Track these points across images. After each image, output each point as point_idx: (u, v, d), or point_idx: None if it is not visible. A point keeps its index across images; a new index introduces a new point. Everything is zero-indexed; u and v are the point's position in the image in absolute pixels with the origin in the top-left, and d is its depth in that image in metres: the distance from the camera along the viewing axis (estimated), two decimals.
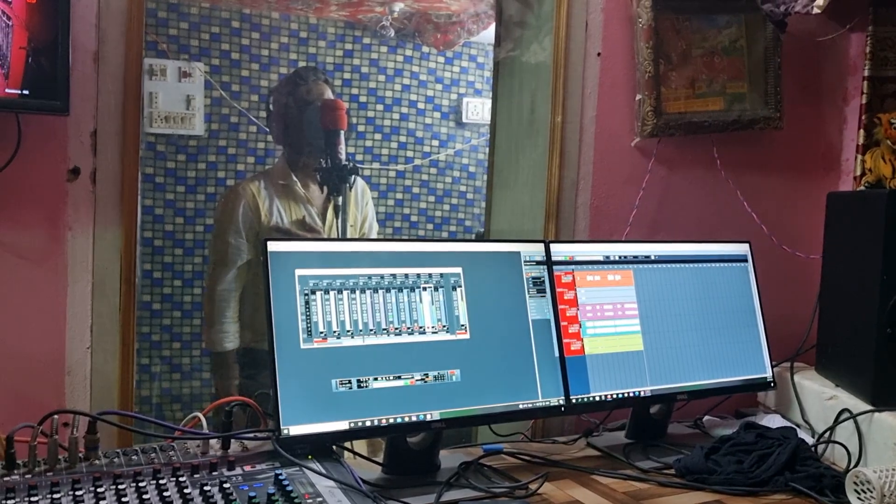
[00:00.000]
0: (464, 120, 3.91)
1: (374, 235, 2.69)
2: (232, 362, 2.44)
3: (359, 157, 3.65)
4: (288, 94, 2.46)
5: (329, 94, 2.47)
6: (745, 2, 2.03)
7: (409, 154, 3.84)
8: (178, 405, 3.50)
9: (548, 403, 1.66)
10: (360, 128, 3.70)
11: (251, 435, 1.42)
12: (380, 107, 3.75)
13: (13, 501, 1.15)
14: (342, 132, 2.37)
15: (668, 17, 1.98)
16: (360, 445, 1.71)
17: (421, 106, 3.84)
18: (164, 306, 3.47)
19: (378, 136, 3.77)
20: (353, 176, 2.38)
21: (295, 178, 2.44)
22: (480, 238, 2.35)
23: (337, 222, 2.38)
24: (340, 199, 2.36)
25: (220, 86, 3.43)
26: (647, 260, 1.87)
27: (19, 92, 1.34)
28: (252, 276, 2.44)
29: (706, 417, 2.03)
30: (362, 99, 3.70)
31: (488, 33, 3.36)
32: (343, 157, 2.37)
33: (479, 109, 3.92)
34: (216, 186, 3.50)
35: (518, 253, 1.70)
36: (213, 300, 2.44)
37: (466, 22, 3.06)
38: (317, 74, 2.53)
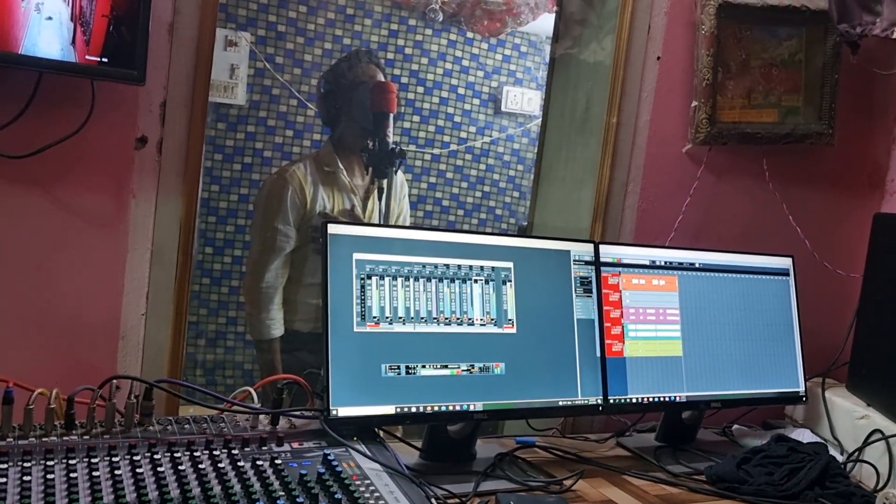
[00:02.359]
0: (502, 109, 3.91)
1: None
2: (277, 350, 2.44)
3: (395, 138, 3.66)
4: (339, 77, 2.46)
5: (380, 78, 2.48)
6: (810, 15, 2.03)
7: (446, 139, 3.85)
8: (201, 371, 3.54)
9: (586, 402, 1.68)
10: (400, 109, 3.70)
11: (300, 413, 1.44)
12: (420, 89, 3.75)
13: (74, 461, 1.18)
14: (391, 115, 2.38)
15: (730, 26, 1.98)
16: None
17: (461, 91, 3.83)
18: (194, 273, 3.48)
19: (416, 119, 3.78)
20: (400, 160, 2.39)
21: (340, 166, 2.43)
22: (524, 232, 2.36)
23: (380, 205, 2.39)
24: (385, 181, 2.37)
25: (264, 57, 3.44)
26: (691, 267, 1.88)
27: (99, 59, 1.36)
28: (294, 261, 2.44)
29: (735, 426, 2.04)
30: (403, 80, 3.70)
31: (536, 23, 3.36)
32: (391, 140, 2.38)
33: (518, 99, 3.92)
34: (253, 157, 3.52)
35: (568, 252, 1.71)
36: (260, 288, 2.41)
37: (518, 11, 3.05)
38: (369, 57, 2.53)
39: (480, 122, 3.91)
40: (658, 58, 1.98)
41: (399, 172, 2.52)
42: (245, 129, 3.50)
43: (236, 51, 3.38)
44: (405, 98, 3.72)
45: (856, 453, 1.81)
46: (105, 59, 1.36)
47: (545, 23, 3.20)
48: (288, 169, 2.45)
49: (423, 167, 3.84)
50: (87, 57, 1.35)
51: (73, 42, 1.34)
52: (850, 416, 1.91)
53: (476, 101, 3.88)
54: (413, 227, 2.50)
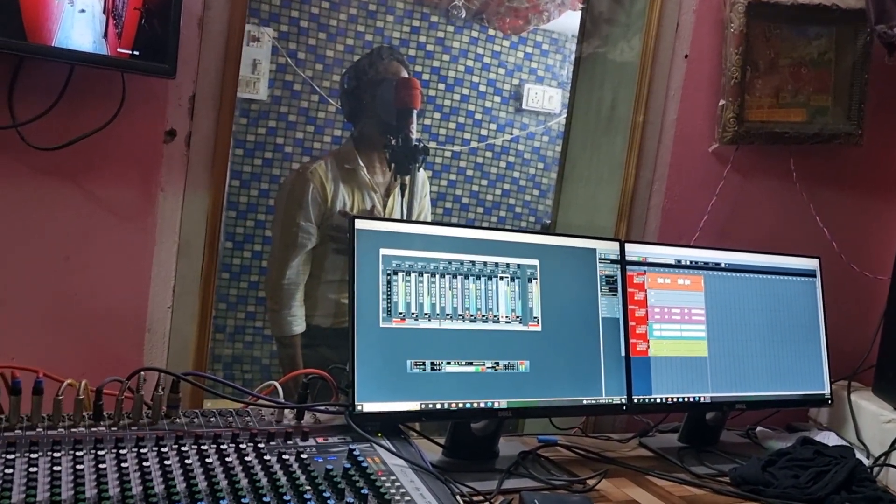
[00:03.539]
0: (523, 106, 3.90)
1: None
2: (298, 346, 2.44)
3: (416, 135, 3.65)
4: (363, 73, 2.46)
5: (404, 74, 2.47)
6: (840, 14, 2.01)
7: (466, 136, 3.84)
8: (218, 365, 3.55)
9: (610, 401, 1.68)
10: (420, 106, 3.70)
11: (325, 408, 1.44)
12: (441, 86, 3.74)
13: (103, 452, 1.19)
14: (415, 112, 2.37)
15: (759, 24, 1.96)
16: None
17: (482, 89, 3.82)
18: None
19: (437, 116, 3.77)
20: (423, 157, 2.38)
21: (361, 163, 2.43)
22: (546, 230, 2.35)
23: (402, 201, 2.38)
24: (408, 178, 2.36)
25: (286, 53, 3.44)
26: (717, 267, 1.86)
27: (130, 52, 1.36)
28: (315, 257, 2.44)
29: (758, 429, 2.03)
30: (425, 77, 3.69)
31: (559, 21, 3.35)
32: (414, 136, 2.37)
33: (539, 97, 3.90)
34: (273, 153, 3.53)
35: (594, 250, 1.70)
36: (281, 285, 2.41)
37: (543, 8, 3.04)
38: (393, 54, 2.52)
39: (501, 119, 3.90)
40: (686, 56, 1.97)
41: (421, 170, 2.51)
42: (266, 124, 3.50)
43: (258, 46, 3.38)
44: (426, 95, 3.72)
45: (882, 457, 1.80)
46: (136, 52, 1.37)
47: (569, 20, 3.20)
48: (309, 166, 2.45)
49: (443, 164, 3.83)
50: (118, 50, 1.35)
51: (106, 35, 1.34)
52: (876, 419, 1.89)
53: (497, 99, 3.87)
54: (440, 223, 2.50)
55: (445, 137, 3.81)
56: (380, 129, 2.43)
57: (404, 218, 2.43)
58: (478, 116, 3.85)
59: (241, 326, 3.61)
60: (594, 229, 2.05)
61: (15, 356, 1.38)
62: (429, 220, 2.72)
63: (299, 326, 2.44)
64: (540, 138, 3.98)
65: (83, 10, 1.31)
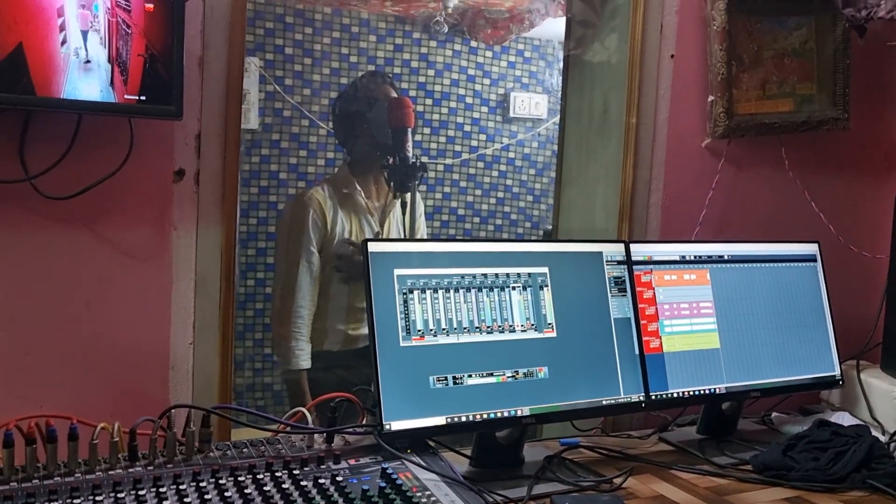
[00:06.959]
0: (511, 114, 3.95)
1: None
2: (305, 380, 2.45)
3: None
4: (353, 98, 2.50)
5: (394, 95, 2.51)
6: (817, 3, 2.05)
7: (457, 148, 3.88)
8: (232, 394, 3.56)
9: (629, 399, 1.71)
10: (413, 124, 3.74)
11: (354, 430, 1.47)
12: (429, 101, 3.79)
13: (142, 492, 1.21)
14: (410, 130, 2.41)
15: (741, 20, 2.01)
16: None
17: (469, 100, 3.87)
18: None
19: (427, 131, 3.81)
20: (422, 173, 2.42)
21: (358, 187, 2.46)
22: (549, 237, 2.38)
23: (405, 219, 2.42)
24: (409, 195, 2.40)
25: (273, 80, 3.48)
26: (721, 259, 1.90)
27: (137, 98, 1.39)
28: (321, 285, 2.46)
29: (774, 414, 2.06)
30: (412, 93, 3.74)
31: (545, 28, 3.40)
32: (411, 154, 2.41)
33: (526, 104, 3.95)
34: (269, 180, 3.56)
35: (600, 253, 1.74)
36: (288, 312, 2.43)
37: (522, 17, 3.09)
38: (383, 77, 2.56)
39: (490, 129, 3.95)
40: (672, 56, 2.01)
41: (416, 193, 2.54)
42: (259, 152, 3.54)
43: (246, 76, 3.38)
44: (414, 111, 3.75)
45: None
46: (143, 98, 1.39)
47: (550, 26, 3.25)
48: (307, 192, 2.49)
49: (437, 178, 3.87)
50: (125, 96, 1.38)
51: (112, 83, 1.37)
52: (887, 396, 1.92)
53: (484, 109, 3.92)
54: (449, 239, 2.53)
55: (437, 151, 3.85)
56: (374, 150, 2.46)
57: (406, 236, 2.46)
58: (467, 128, 3.89)
59: (251, 355, 3.63)
60: (595, 232, 2.08)
61: (44, 404, 1.40)
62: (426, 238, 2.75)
63: (305, 362, 2.45)
64: (530, 144, 4.03)
65: (89, 61, 1.34)
